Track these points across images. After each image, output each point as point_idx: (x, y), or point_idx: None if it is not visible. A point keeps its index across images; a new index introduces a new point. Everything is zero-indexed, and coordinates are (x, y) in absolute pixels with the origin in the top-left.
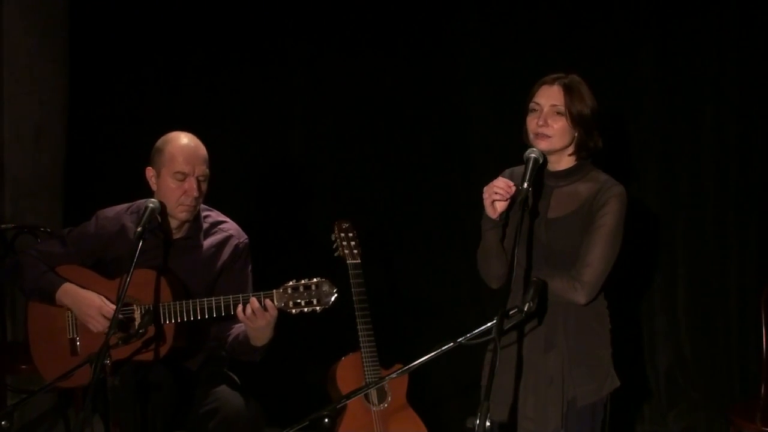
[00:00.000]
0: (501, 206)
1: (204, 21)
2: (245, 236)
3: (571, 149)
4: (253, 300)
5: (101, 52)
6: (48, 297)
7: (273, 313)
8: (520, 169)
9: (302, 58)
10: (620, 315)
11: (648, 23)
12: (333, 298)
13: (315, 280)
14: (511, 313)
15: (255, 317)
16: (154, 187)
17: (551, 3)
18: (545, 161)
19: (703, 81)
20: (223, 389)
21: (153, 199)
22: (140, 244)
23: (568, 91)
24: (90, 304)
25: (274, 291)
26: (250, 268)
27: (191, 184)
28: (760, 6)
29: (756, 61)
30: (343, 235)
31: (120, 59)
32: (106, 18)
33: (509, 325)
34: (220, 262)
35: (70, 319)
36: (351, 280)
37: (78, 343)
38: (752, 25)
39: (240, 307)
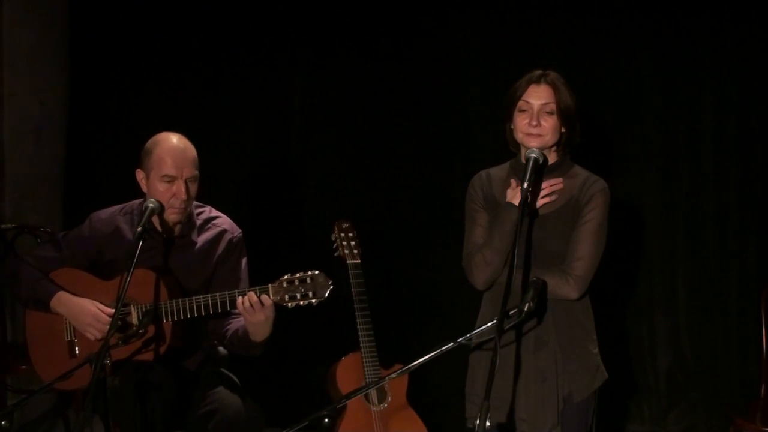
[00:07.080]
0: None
1: (204, 21)
2: (239, 230)
3: (556, 145)
4: (251, 294)
5: (101, 52)
6: (43, 306)
7: (269, 310)
8: (495, 170)
9: (302, 57)
10: (620, 315)
11: (647, 23)
12: (329, 291)
13: (310, 273)
14: (510, 313)
15: (253, 311)
16: (144, 189)
17: (551, 2)
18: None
19: (703, 81)
20: (222, 390)
21: (152, 199)
22: (140, 243)
23: (556, 88)
24: (86, 312)
25: (270, 285)
26: (245, 261)
27: (180, 187)
28: (759, 6)
29: (756, 61)
30: (343, 235)
31: (120, 59)
32: (106, 17)
33: (509, 326)
34: (214, 258)
35: (67, 322)
36: (351, 280)
37: (76, 345)
38: (752, 25)
39: (240, 299)
